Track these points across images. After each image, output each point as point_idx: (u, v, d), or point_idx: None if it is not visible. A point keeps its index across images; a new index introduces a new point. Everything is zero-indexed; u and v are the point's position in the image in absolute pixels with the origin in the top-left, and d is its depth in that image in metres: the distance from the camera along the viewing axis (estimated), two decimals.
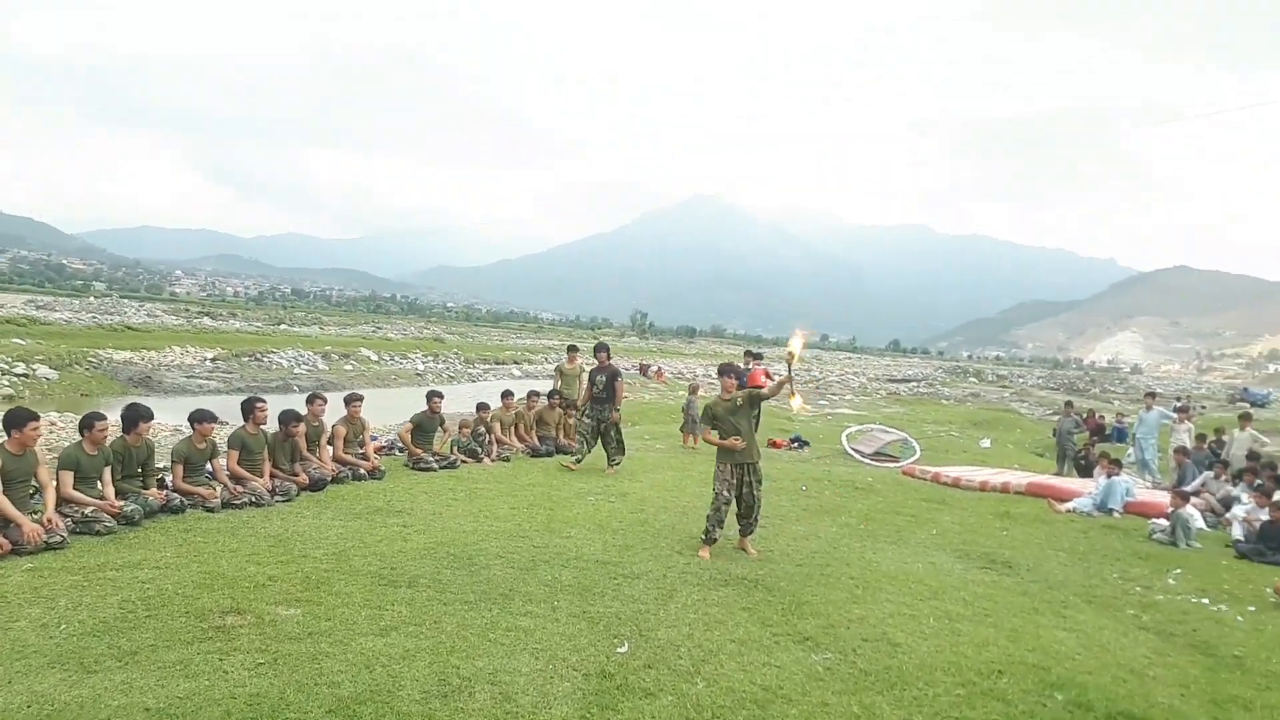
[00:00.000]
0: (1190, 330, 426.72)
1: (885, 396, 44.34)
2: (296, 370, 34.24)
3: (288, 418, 8.49)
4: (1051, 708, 4.52)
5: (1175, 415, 15.23)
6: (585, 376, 11.98)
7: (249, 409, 8.10)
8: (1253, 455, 12.16)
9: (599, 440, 11.42)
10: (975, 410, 35.05)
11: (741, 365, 15.82)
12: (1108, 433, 21.69)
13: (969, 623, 5.92)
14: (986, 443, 20.71)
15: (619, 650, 4.88)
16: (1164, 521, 10.57)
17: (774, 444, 16.33)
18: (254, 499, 7.64)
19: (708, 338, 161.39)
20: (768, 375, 14.58)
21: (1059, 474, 15.04)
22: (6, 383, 22.66)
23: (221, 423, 11.20)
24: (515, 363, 51.37)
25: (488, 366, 47.92)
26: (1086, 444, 15.57)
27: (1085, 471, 14.06)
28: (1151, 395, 16.25)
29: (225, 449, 8.10)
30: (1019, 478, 12.77)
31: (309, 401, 9.27)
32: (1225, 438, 13.85)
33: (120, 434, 7.10)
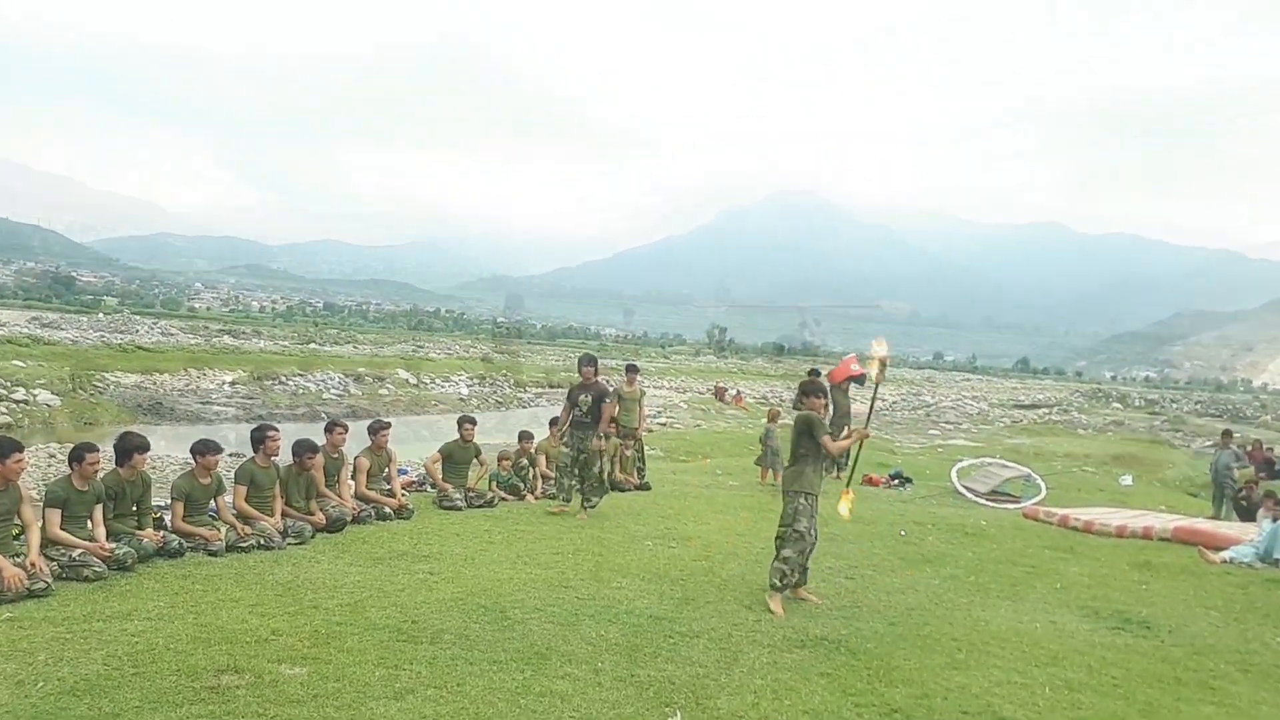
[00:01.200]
0: None
1: (1009, 426, 43.47)
2: (325, 395, 35.04)
3: (303, 449, 8.69)
4: None
5: None
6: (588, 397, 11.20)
7: (259, 439, 8.31)
8: None
9: (583, 478, 10.99)
10: (1117, 442, 34.11)
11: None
12: (1277, 468, 20.88)
13: (1093, 693, 5.75)
14: (1128, 480, 20.18)
15: None
16: None
17: (870, 480, 16.12)
18: (263, 541, 7.81)
19: (798, 357, 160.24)
20: (857, 361, 14.69)
21: (1215, 517, 14.56)
22: (4, 409, 23.64)
23: (232, 454, 11.50)
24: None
25: (541, 390, 48.36)
26: (1249, 482, 15.01)
27: (1247, 514, 13.54)
28: None
29: (232, 484, 8.30)
30: (1164, 521, 12.39)
31: (328, 430, 9.47)
32: None
33: (114, 467, 7.35)
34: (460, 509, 10.32)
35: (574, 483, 10.98)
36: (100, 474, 7.13)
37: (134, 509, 7.43)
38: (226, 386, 34.56)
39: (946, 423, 42.16)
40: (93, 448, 7.00)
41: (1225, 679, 6.39)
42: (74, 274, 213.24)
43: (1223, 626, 7.86)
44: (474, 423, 11.24)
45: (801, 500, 7.41)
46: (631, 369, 14.22)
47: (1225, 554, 10.67)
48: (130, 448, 7.32)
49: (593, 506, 10.98)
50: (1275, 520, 11.05)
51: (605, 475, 11.31)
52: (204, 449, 7.89)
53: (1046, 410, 57.76)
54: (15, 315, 71.15)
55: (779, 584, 7.35)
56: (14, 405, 24.60)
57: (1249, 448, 22.47)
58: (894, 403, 60.10)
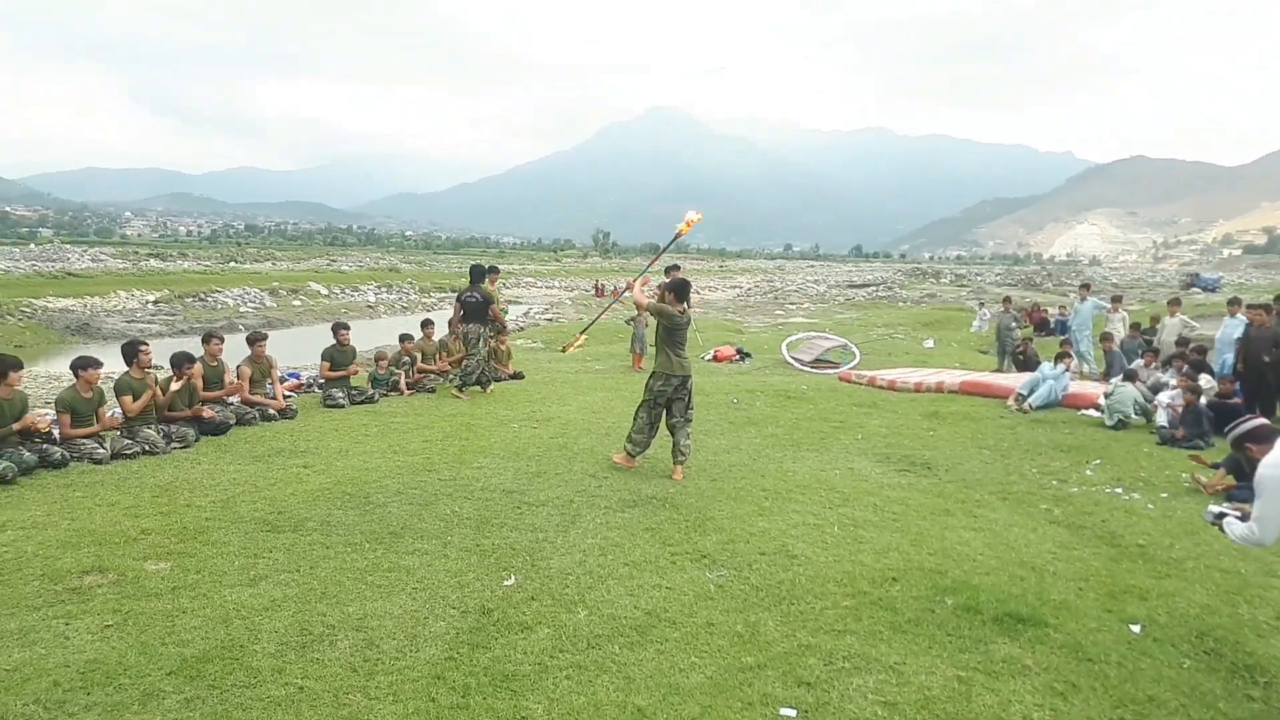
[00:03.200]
0: (1147, 220, 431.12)
1: (842, 303, 44.35)
2: (243, 309, 33.51)
3: (180, 360, 8.08)
4: (940, 613, 4.42)
5: (1109, 305, 15.23)
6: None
7: (132, 353, 7.67)
8: (1182, 341, 12.16)
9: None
10: (928, 311, 35.13)
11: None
12: (1052, 326, 21.73)
13: (875, 529, 5.82)
14: (930, 343, 20.73)
15: (505, 583, 4.71)
16: (1094, 412, 10.61)
17: (717, 357, 16.17)
18: (147, 447, 7.31)
19: (671, 254, 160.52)
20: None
21: (998, 370, 15.05)
22: None
23: (157, 367, 10.62)
24: None
25: (444, 295, 47.25)
26: (1026, 339, 15.57)
27: (1025, 366, 14.03)
28: (1085, 286, 16.20)
29: (114, 396, 7.72)
30: (954, 377, 12.70)
31: (205, 341, 8.86)
32: (1158, 326, 13.87)
33: None
34: (343, 406, 9.88)
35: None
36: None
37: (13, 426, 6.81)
38: (150, 305, 32.70)
39: (790, 304, 42.75)
40: None
41: (987, 507, 6.58)
42: (7, 209, 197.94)
43: (991, 463, 8.10)
44: (348, 328, 10.72)
45: (651, 379, 7.30)
46: (493, 270, 13.63)
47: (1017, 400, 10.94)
48: (4, 367, 6.67)
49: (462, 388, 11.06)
50: (1066, 369, 11.31)
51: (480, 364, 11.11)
52: (84, 364, 7.26)
53: (874, 288, 59.04)
54: None
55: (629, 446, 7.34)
56: None
57: (1031, 310, 23.32)
58: (749, 289, 60.81)
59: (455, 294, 12.75)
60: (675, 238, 7.76)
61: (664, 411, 7.30)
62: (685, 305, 7.31)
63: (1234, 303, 11.93)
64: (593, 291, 46.28)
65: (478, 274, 11.52)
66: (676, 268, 16.64)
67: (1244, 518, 3.95)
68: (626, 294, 8.45)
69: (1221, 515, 4.12)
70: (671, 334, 7.16)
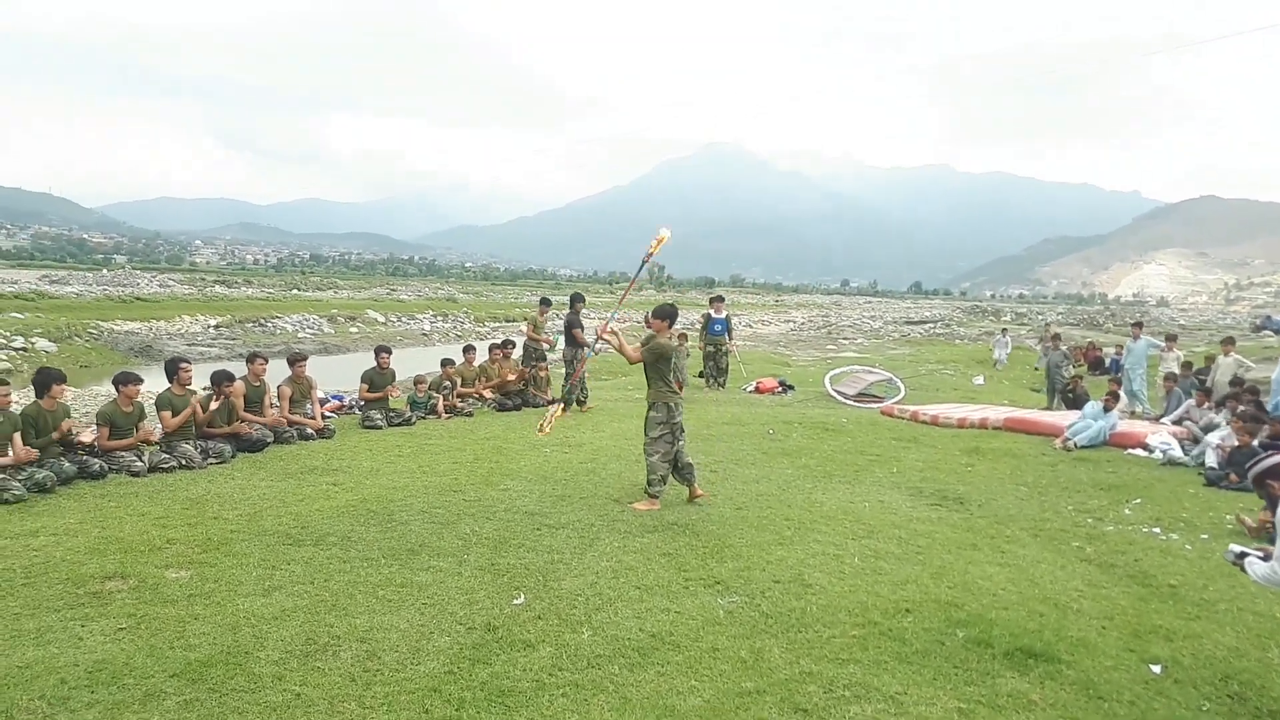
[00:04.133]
0: (1218, 261, 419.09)
1: (897, 339, 43.83)
2: (300, 334, 34.30)
3: (220, 378, 8.33)
4: (950, 645, 4.32)
5: (1164, 344, 14.87)
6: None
7: (173, 371, 7.94)
8: (1236, 381, 11.78)
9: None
10: (983, 348, 34.46)
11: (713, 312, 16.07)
12: (1107, 365, 21.23)
13: (896, 561, 5.72)
14: (980, 380, 20.36)
15: (515, 602, 4.73)
16: (1141, 452, 10.33)
17: (759, 389, 16.09)
18: (184, 462, 7.52)
19: (726, 287, 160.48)
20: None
21: (1048, 408, 14.74)
22: (4, 356, 22.78)
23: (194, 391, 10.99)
24: (525, 319, 51.30)
25: (498, 325, 47.84)
26: (1075, 377, 15.22)
27: (1075, 405, 13.70)
28: (1139, 325, 15.81)
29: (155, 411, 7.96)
30: (997, 413, 12.44)
31: (249, 361, 9.12)
32: (1212, 365, 13.46)
33: (34, 399, 6.99)
34: (380, 428, 10.05)
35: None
36: (18, 405, 6.78)
37: (55, 437, 7.07)
38: (211, 329, 33.67)
39: (844, 339, 42.37)
40: (3, 381, 6.64)
41: (1016, 543, 6.41)
42: (85, 236, 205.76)
43: (1026, 499, 7.91)
44: (389, 351, 10.97)
45: (659, 412, 7.20)
46: (544, 302, 14.15)
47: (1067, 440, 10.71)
48: (48, 380, 6.94)
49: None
50: (1105, 410, 11.09)
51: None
52: (125, 380, 7.52)
53: (932, 325, 58.28)
54: (28, 274, 68.60)
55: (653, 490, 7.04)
56: (14, 352, 23.71)
57: (1084, 348, 22.82)
58: (802, 323, 60.43)
59: (528, 322, 14.17)
60: (645, 260, 7.72)
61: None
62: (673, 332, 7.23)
63: None
64: (643, 322, 46.37)
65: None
66: (720, 299, 16.71)
67: (1266, 558, 3.83)
68: (601, 346, 8.48)
69: (1243, 555, 4.00)
70: (668, 364, 7.09)
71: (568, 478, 7.92)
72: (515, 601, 4.74)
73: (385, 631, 4.27)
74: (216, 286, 60.11)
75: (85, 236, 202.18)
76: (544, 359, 13.38)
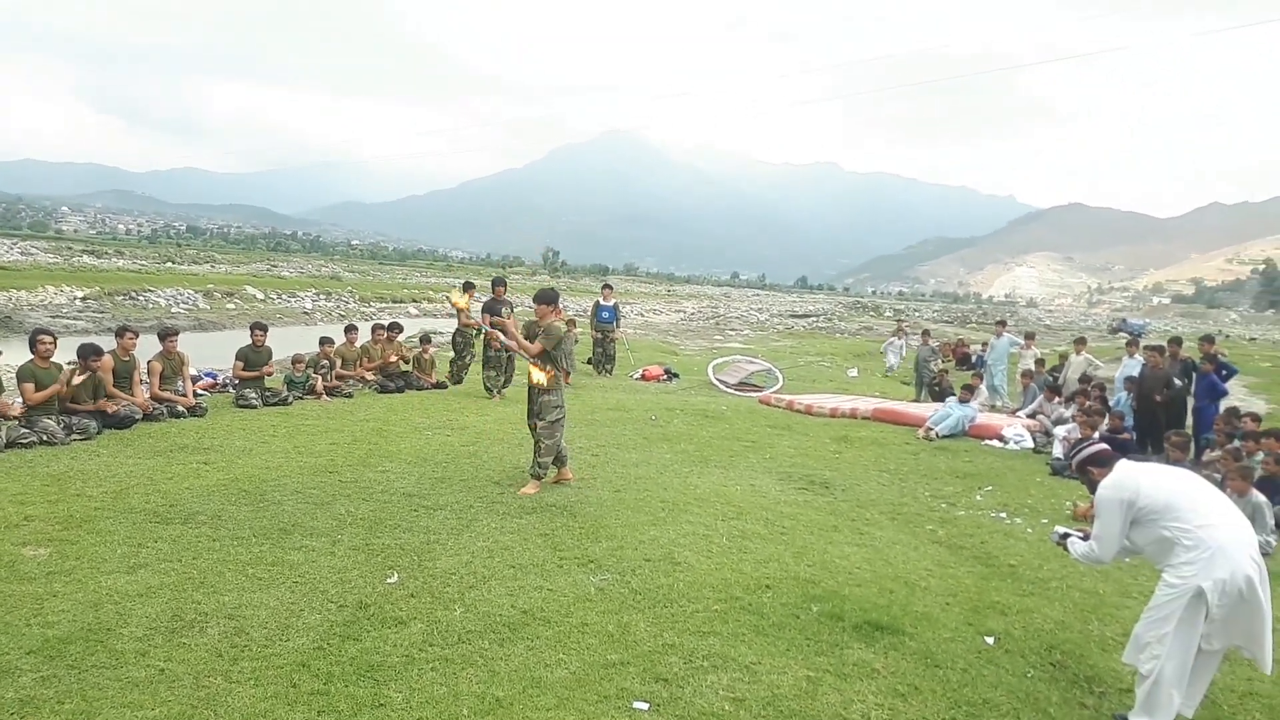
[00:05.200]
0: (1082, 265, 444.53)
1: (780, 331, 44.94)
2: (175, 309, 32.83)
3: (87, 351, 7.98)
4: (804, 619, 4.60)
5: (1023, 342, 15.85)
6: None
7: (33, 342, 7.58)
8: (1085, 379, 12.68)
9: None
10: (859, 342, 35.80)
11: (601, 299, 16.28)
12: (974, 361, 22.34)
13: (761, 541, 6.00)
14: (854, 372, 21.14)
15: (388, 581, 4.78)
16: (996, 443, 11.02)
17: (645, 376, 16.34)
18: (45, 437, 7.20)
19: (620, 275, 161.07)
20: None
21: (916, 400, 15.47)
22: None
23: (60, 365, 10.48)
24: (414, 301, 50.34)
25: (384, 305, 46.82)
26: (942, 371, 16.04)
27: (940, 398, 14.42)
28: (1002, 323, 16.79)
29: (15, 384, 7.59)
30: (868, 404, 13.04)
31: (118, 335, 8.77)
32: (1065, 363, 14.43)
33: None
34: (255, 407, 9.80)
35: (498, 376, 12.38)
36: None
37: None
38: (78, 301, 31.86)
39: (730, 330, 43.20)
40: None
41: (875, 525, 6.80)
42: None
43: (888, 485, 8.35)
44: (265, 329, 10.68)
45: (554, 396, 7.29)
46: (468, 286, 14.21)
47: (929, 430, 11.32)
48: None
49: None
50: (961, 403, 11.80)
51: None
52: None
53: (814, 319, 59.88)
54: None
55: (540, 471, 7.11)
56: None
57: (954, 345, 23.99)
58: (692, 313, 61.22)
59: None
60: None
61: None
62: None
63: (1132, 344, 12.49)
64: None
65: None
66: (609, 287, 16.92)
67: (1086, 538, 4.22)
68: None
69: (1066, 535, 4.40)
70: (559, 348, 7.20)
71: (448, 460, 7.93)
72: (389, 580, 4.78)
73: (254, 609, 4.26)
74: (85, 257, 56.77)
75: None
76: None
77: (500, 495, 6.77)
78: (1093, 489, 4.16)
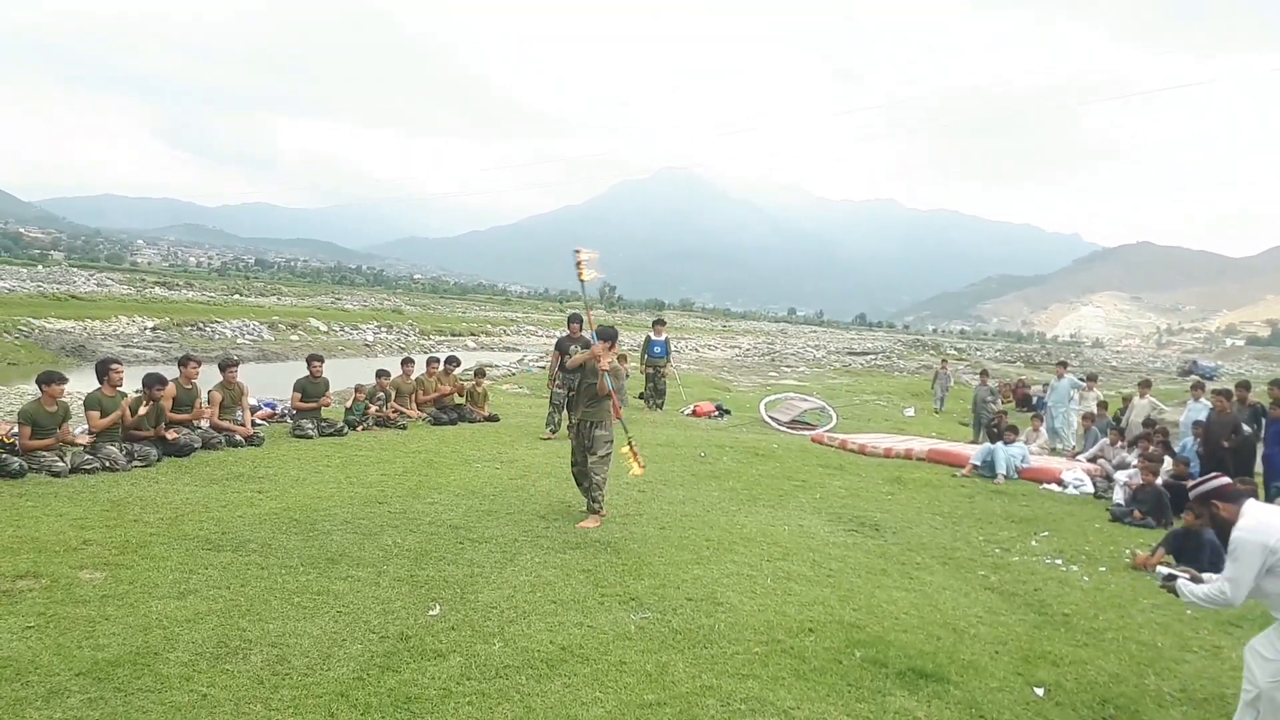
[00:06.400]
0: (1151, 305, 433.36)
1: (837, 369, 44.51)
2: (240, 340, 33.77)
3: (151, 381, 8.27)
4: (847, 664, 4.51)
5: (1084, 383, 15.47)
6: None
7: (103, 370, 7.87)
8: (1149, 422, 12.32)
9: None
10: (920, 381, 35.19)
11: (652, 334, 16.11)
12: (1034, 402, 21.88)
13: (806, 583, 5.91)
14: (910, 411, 20.82)
15: (430, 613, 4.81)
16: (1055, 487, 10.74)
17: (696, 412, 16.30)
18: (108, 464, 7.45)
19: (675, 310, 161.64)
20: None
21: (974, 441, 15.16)
22: None
23: (125, 393, 10.81)
24: (472, 334, 51.12)
25: (443, 338, 47.59)
26: (1000, 412, 15.70)
27: (996, 439, 14.13)
28: (1063, 364, 16.41)
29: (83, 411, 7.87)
30: (923, 444, 12.82)
31: (181, 364, 9.06)
32: (1128, 406, 14.04)
33: None
34: (310, 437, 10.02)
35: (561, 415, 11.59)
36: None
37: None
38: (148, 331, 32.98)
39: (786, 366, 42.93)
40: None
41: (925, 569, 6.66)
42: (21, 231, 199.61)
43: (940, 529, 8.18)
44: (322, 360, 10.93)
45: (604, 429, 7.40)
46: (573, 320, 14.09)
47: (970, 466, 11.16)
48: None
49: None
50: (1006, 444, 11.58)
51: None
52: (49, 379, 7.44)
53: (873, 356, 59.21)
54: None
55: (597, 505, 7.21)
56: None
57: (1012, 385, 23.50)
58: (748, 349, 61.01)
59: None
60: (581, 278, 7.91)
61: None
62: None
63: (1198, 387, 12.12)
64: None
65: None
66: (662, 322, 16.93)
67: (1193, 580, 4.02)
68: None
69: (1172, 577, 4.14)
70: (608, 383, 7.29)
71: (496, 493, 7.99)
72: (431, 612, 4.82)
73: (298, 637, 4.32)
74: (156, 288, 58.82)
75: (22, 231, 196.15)
76: (482, 373, 13.45)
77: (545, 529, 6.79)
78: (1214, 523, 3.94)
